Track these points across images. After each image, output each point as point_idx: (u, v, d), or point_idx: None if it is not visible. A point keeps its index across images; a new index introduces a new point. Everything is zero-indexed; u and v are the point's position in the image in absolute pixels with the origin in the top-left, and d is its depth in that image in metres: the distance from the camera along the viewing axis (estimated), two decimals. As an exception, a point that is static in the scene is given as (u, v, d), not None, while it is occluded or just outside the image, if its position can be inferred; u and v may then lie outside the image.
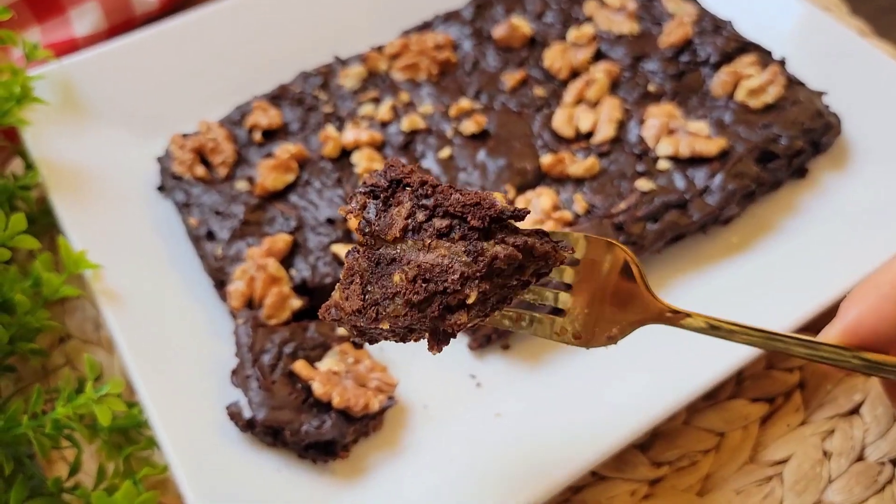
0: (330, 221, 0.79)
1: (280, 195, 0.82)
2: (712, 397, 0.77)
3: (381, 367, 0.71)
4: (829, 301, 0.73)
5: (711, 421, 0.75)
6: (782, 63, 0.91)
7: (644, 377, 0.70)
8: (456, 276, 0.43)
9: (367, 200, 0.47)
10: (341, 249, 0.76)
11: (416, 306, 0.44)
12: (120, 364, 0.81)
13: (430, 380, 0.74)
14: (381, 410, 0.68)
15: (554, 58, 0.93)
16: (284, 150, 0.83)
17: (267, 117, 0.87)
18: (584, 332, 0.53)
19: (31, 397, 0.66)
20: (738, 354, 0.69)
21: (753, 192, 0.83)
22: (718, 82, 0.89)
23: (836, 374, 0.76)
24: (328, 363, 0.69)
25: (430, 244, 0.44)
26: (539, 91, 0.91)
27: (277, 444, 0.67)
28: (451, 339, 0.46)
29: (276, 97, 0.90)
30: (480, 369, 0.75)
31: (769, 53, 0.92)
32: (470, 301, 0.43)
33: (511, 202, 0.80)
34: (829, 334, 0.52)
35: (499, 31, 0.96)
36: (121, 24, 1.04)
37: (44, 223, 0.87)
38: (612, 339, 0.53)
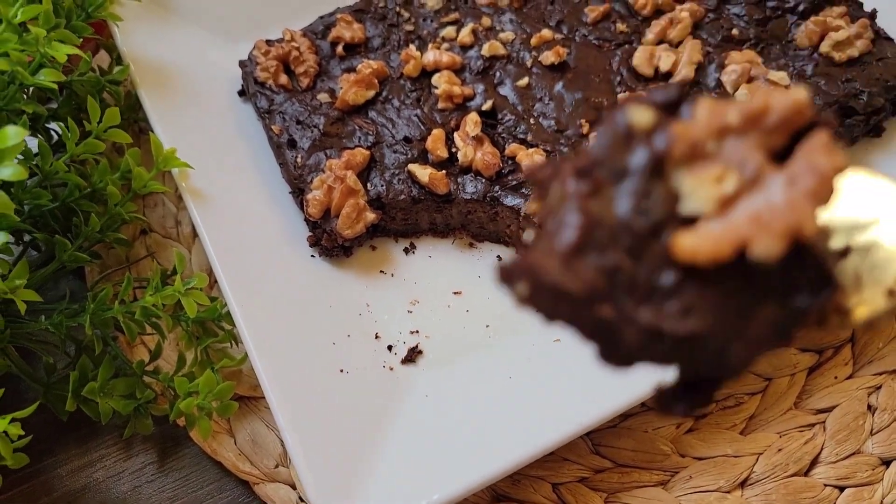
0: (407, 140, 0.81)
1: (359, 110, 0.83)
2: (763, 344, 0.79)
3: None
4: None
5: (760, 365, 0.77)
6: (872, 16, 0.89)
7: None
8: None
9: None
10: (417, 169, 0.77)
11: None
12: (198, 260, 0.85)
13: (492, 302, 0.76)
14: None
15: (639, -7, 0.92)
16: (366, 65, 0.84)
17: (350, 31, 0.88)
18: None
19: (121, 283, 0.70)
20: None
21: (827, 147, 0.83)
22: (804, 32, 0.88)
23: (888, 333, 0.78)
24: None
25: None
26: (621, 26, 0.90)
27: None
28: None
29: (360, 11, 0.91)
30: (542, 296, 0.77)
31: (860, 5, 0.90)
32: None
33: (585, 135, 0.81)
34: None
35: (584, -39, 0.95)
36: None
37: (127, 119, 0.89)
38: None
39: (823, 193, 0.30)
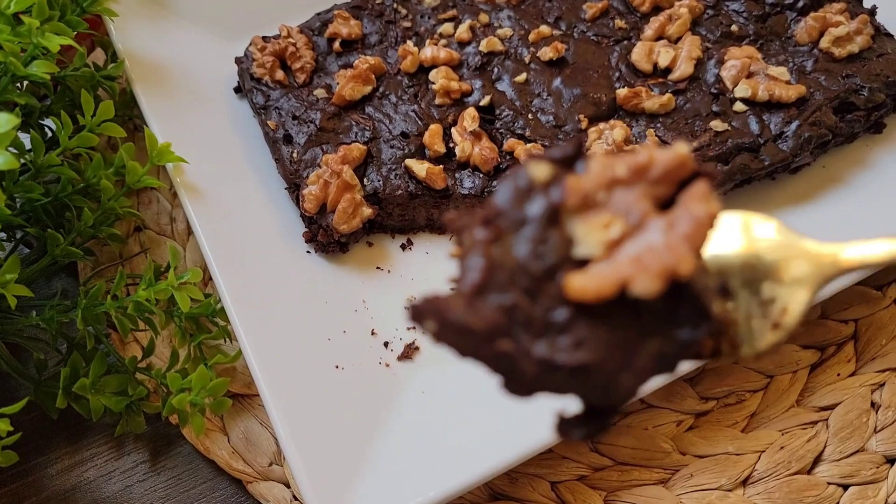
0: (404, 135, 0.80)
1: (356, 105, 0.82)
2: (765, 341, 0.78)
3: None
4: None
5: (762, 362, 0.76)
6: (872, 12, 0.88)
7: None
8: None
9: None
10: (414, 163, 0.77)
11: None
12: (192, 257, 0.84)
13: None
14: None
15: (637, -10, 0.91)
16: (363, 60, 0.83)
17: (347, 27, 0.87)
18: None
19: (114, 279, 0.69)
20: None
21: (828, 143, 0.82)
22: (804, 28, 0.87)
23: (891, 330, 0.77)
24: None
25: None
26: (620, 23, 0.90)
27: None
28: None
29: (357, 7, 0.90)
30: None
31: (860, 1, 0.90)
32: None
33: (584, 131, 0.80)
34: None
35: (583, -42, 0.94)
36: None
37: (122, 116, 0.89)
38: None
39: (699, 237, 0.33)
